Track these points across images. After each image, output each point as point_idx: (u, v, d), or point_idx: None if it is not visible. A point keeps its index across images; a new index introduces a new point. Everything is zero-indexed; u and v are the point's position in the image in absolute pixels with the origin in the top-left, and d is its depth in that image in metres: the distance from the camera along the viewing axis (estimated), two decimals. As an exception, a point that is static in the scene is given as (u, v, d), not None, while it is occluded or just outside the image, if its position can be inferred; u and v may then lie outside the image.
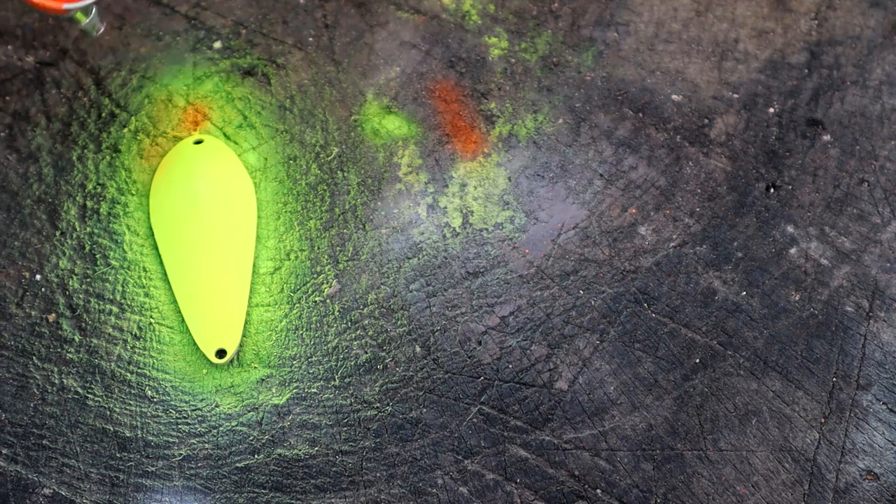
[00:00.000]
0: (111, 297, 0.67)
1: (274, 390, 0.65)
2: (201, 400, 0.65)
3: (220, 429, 0.64)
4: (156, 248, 0.68)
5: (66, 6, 0.55)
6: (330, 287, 0.68)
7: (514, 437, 0.65)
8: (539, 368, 0.66)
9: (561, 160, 0.71)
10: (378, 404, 0.65)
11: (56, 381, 0.65)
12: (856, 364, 0.67)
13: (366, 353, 0.66)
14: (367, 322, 0.67)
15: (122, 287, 0.67)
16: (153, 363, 0.66)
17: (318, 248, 0.69)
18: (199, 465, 0.64)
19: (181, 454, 0.64)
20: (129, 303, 0.67)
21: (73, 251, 0.67)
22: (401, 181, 0.70)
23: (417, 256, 0.69)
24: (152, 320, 0.66)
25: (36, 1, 0.54)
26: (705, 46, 0.73)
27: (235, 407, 0.65)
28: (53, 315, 0.66)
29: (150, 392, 0.65)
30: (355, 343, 0.67)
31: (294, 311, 0.67)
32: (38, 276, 0.67)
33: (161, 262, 0.68)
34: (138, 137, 0.70)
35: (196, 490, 0.63)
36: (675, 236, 0.70)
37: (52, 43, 0.74)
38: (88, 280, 0.67)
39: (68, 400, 0.65)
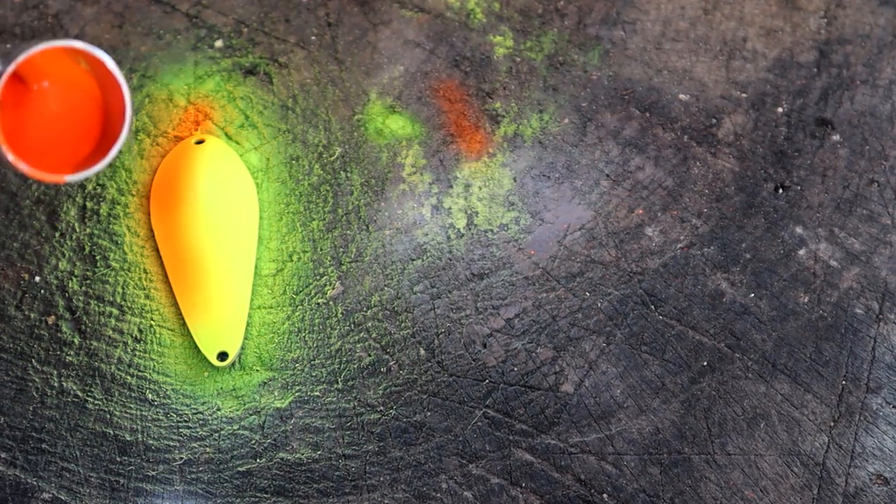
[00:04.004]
0: (111, 299, 0.66)
1: (276, 393, 0.65)
2: (202, 403, 0.65)
3: (222, 432, 0.64)
4: (156, 249, 0.68)
5: (67, 178, 0.53)
6: (333, 289, 0.67)
7: (519, 441, 0.64)
8: (545, 371, 0.66)
9: (567, 160, 0.70)
10: (381, 408, 0.65)
11: (55, 384, 0.65)
12: (865, 367, 0.66)
13: (369, 355, 0.66)
14: (370, 324, 0.67)
15: (123, 289, 0.67)
16: (154, 366, 0.65)
17: (321, 250, 0.68)
18: (201, 469, 0.63)
19: (182, 458, 0.63)
20: (129, 305, 0.66)
21: (73, 252, 0.67)
22: (404, 181, 0.70)
23: (421, 258, 0.68)
24: (153, 322, 0.66)
25: (36, 175, 0.52)
26: (713, 45, 0.72)
27: (237, 410, 0.65)
28: (53, 317, 0.66)
29: (150, 395, 0.65)
30: (358, 346, 0.66)
31: (296, 314, 0.67)
32: (37, 278, 0.66)
33: (162, 264, 0.67)
34: (139, 137, 0.70)
35: (197, 494, 0.63)
36: (682, 237, 0.69)
37: (52, 41, 0.73)
38: (88, 282, 0.67)
39: (68, 403, 0.64)
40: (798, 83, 0.72)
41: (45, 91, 0.55)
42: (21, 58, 0.50)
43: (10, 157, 0.50)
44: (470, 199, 0.70)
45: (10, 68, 0.49)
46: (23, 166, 0.51)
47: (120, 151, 0.57)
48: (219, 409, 0.65)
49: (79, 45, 0.51)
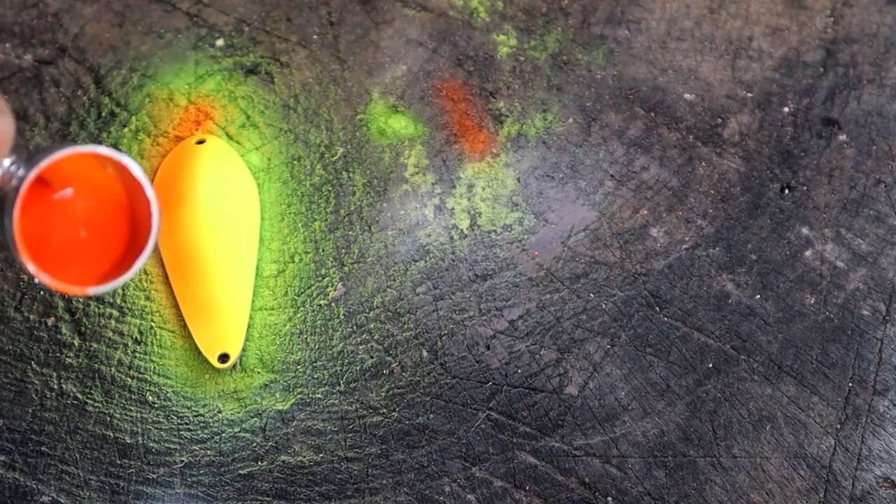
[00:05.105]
0: (111, 300, 0.66)
1: (278, 395, 0.65)
2: (203, 405, 0.64)
3: (223, 435, 0.64)
4: (157, 249, 0.67)
5: (90, 291, 0.50)
6: (335, 290, 0.67)
7: (523, 444, 0.64)
8: (549, 373, 0.65)
9: (571, 160, 0.70)
10: (384, 410, 0.64)
11: (55, 386, 0.64)
12: (872, 369, 0.66)
13: (371, 357, 0.66)
14: (372, 326, 0.66)
15: (123, 290, 0.66)
16: (154, 368, 0.65)
17: (323, 251, 0.68)
18: (202, 472, 0.63)
19: (183, 461, 0.63)
20: (129, 306, 0.66)
21: (73, 253, 0.67)
22: (407, 182, 0.69)
23: (424, 259, 0.68)
24: (153, 324, 0.66)
25: (57, 287, 0.49)
26: (718, 44, 0.71)
27: (238, 413, 0.64)
28: (52, 319, 0.65)
29: (151, 397, 0.64)
30: (361, 347, 0.66)
31: (298, 315, 0.66)
32: (36, 279, 0.66)
33: (162, 265, 0.67)
34: (139, 137, 0.69)
35: (198, 498, 0.62)
36: (687, 238, 0.69)
37: (51, 41, 0.73)
38: (88, 283, 0.66)
39: (67, 405, 0.64)
40: (804, 83, 0.71)
41: (69, 198, 0.52)
42: (44, 163, 0.47)
43: (31, 268, 0.48)
44: (473, 199, 0.69)
45: (32, 174, 0.47)
46: (44, 277, 0.48)
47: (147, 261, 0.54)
48: (220, 412, 0.64)
49: (104, 150, 0.48)
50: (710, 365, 0.66)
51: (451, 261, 0.68)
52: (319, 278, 0.67)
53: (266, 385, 0.65)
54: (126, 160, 0.49)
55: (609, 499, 0.63)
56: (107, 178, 0.53)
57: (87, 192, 0.53)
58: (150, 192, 0.50)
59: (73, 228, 0.53)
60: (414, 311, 0.67)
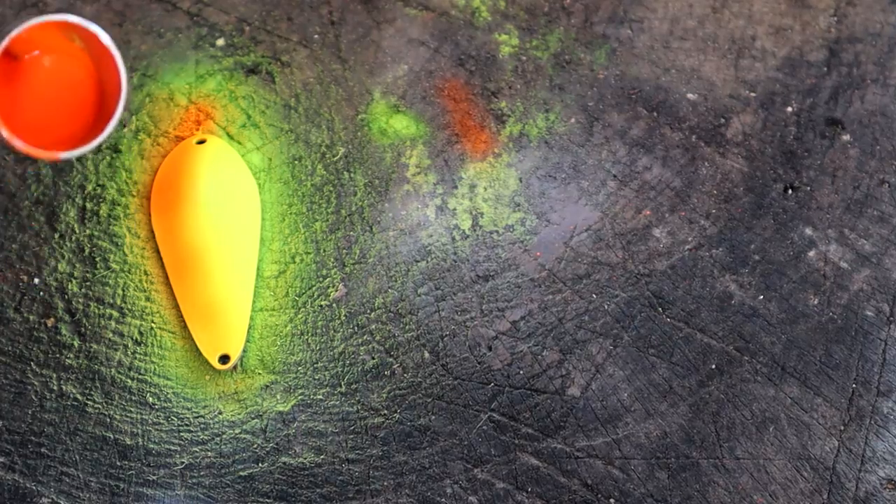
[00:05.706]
0: (111, 301, 0.66)
1: (279, 397, 0.64)
2: (204, 407, 0.64)
3: (224, 436, 0.63)
4: (157, 250, 0.67)
5: (61, 155, 0.52)
6: (336, 291, 0.67)
7: (525, 445, 0.64)
8: (551, 374, 0.65)
9: (573, 160, 0.70)
10: (385, 411, 0.64)
11: (55, 388, 0.64)
12: (876, 370, 0.66)
13: (373, 358, 0.65)
14: (374, 327, 0.66)
15: (123, 291, 0.66)
16: (154, 369, 0.65)
17: (324, 251, 0.68)
18: (202, 473, 0.63)
19: (183, 462, 0.63)
20: (129, 307, 0.66)
21: (73, 254, 0.66)
22: (409, 182, 0.69)
23: (426, 259, 0.67)
24: (153, 325, 0.65)
25: (30, 152, 0.51)
26: (721, 44, 0.71)
27: (239, 414, 0.64)
28: (52, 319, 0.65)
29: (151, 399, 0.64)
30: (362, 348, 0.66)
31: (299, 316, 0.66)
32: (36, 280, 0.66)
33: (162, 266, 0.67)
34: (139, 137, 0.69)
35: (198, 499, 0.62)
36: (690, 239, 0.68)
37: (51, 40, 0.72)
38: (88, 284, 0.66)
39: (67, 407, 0.64)
40: (808, 82, 0.71)
41: (38, 66, 0.54)
42: (13, 34, 0.49)
43: (5, 134, 0.50)
44: (475, 199, 0.69)
45: (2, 45, 0.49)
46: (17, 143, 0.50)
47: (116, 129, 0.56)
48: (220, 413, 0.64)
49: (72, 19, 0.50)
50: (713, 366, 0.66)
51: (453, 261, 0.68)
52: (321, 279, 0.67)
53: (267, 386, 0.65)
54: (95, 28, 0.51)
55: (611, 500, 0.63)
56: (75, 50, 0.55)
57: (56, 62, 0.54)
58: (118, 57, 0.52)
59: (43, 98, 0.54)
60: (415, 311, 0.66)
